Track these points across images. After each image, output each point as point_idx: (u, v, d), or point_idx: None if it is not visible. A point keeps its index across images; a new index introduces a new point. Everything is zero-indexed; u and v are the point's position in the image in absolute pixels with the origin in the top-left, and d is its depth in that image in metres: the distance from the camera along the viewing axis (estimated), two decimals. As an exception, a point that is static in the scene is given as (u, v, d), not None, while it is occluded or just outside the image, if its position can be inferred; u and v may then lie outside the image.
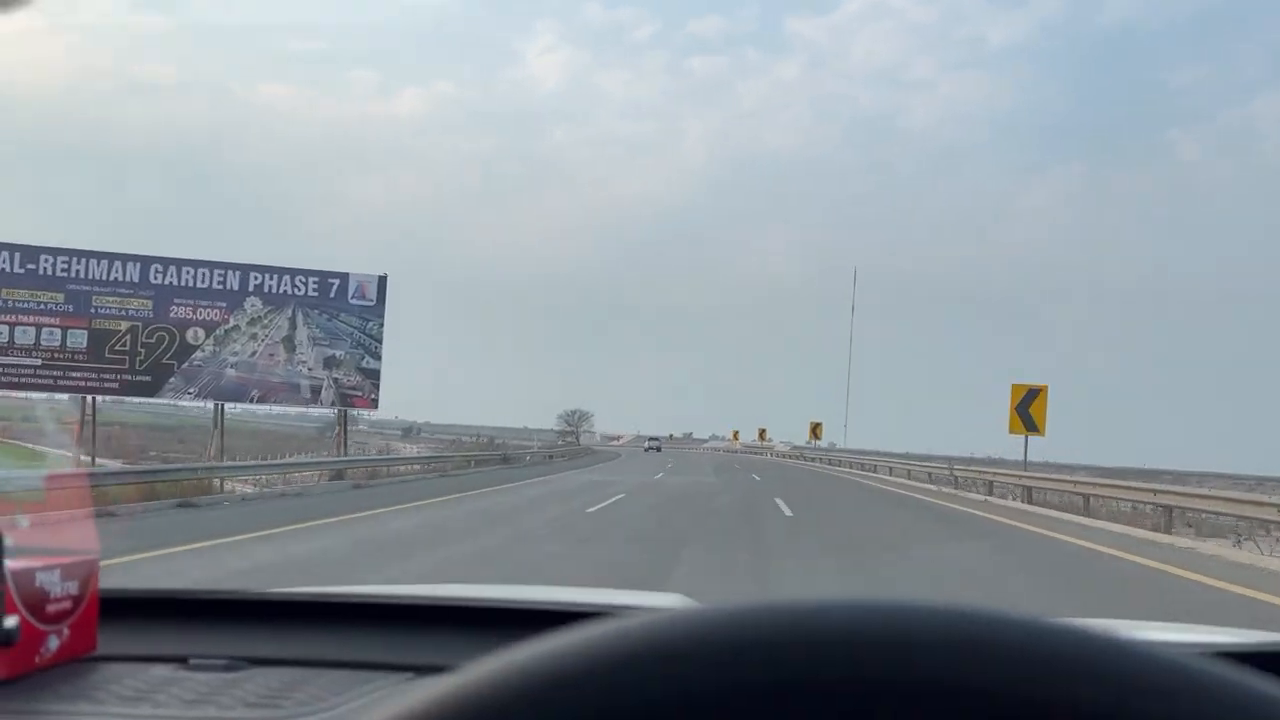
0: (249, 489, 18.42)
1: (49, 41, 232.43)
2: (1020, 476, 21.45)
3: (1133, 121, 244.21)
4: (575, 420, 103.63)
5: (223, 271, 22.07)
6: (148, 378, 21.32)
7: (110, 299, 20.88)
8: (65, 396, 21.66)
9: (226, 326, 22.00)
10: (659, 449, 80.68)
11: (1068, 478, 21.09)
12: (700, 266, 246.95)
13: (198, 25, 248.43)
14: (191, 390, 21.98)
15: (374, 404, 24.34)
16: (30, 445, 25.96)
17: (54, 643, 0.94)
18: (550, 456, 47.36)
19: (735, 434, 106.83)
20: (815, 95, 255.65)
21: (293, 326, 22.74)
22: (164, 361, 21.36)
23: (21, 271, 20.23)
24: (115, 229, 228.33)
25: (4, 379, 20.26)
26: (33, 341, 20.25)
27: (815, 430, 60.06)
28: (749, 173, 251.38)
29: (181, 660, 0.99)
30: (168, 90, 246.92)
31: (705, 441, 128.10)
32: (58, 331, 20.39)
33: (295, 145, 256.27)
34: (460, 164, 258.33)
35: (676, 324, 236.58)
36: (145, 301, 21.15)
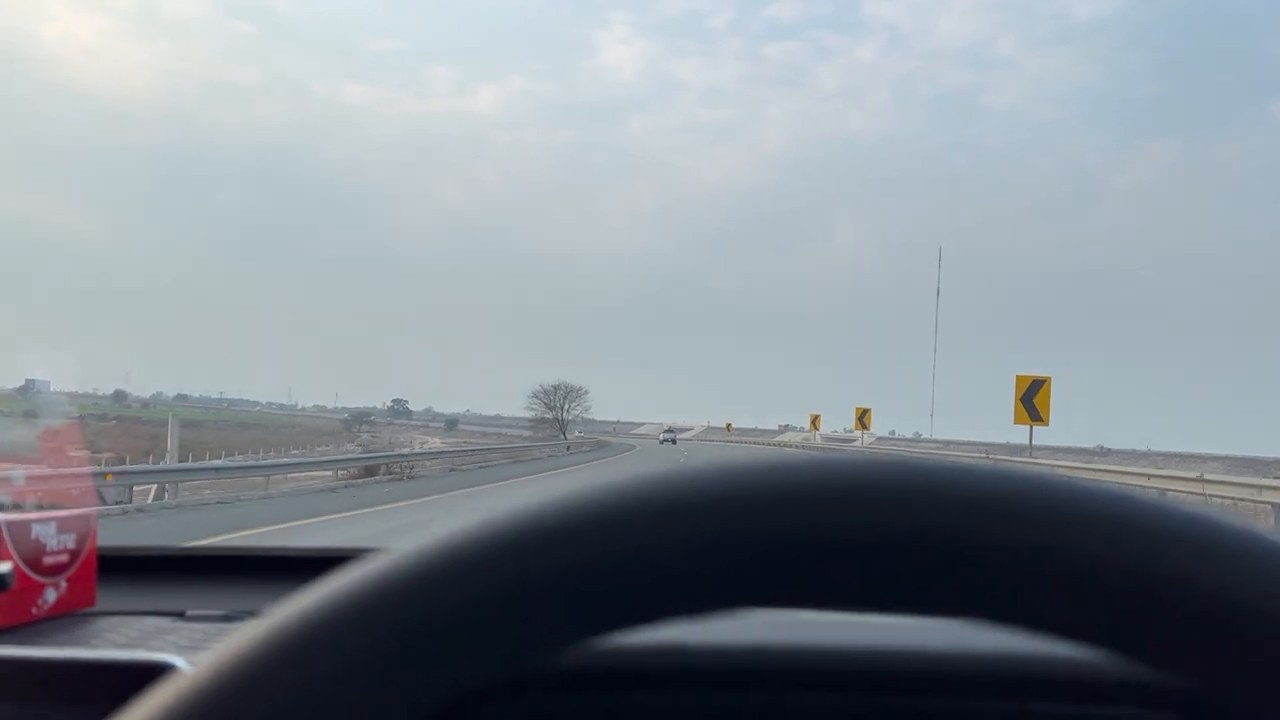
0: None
1: (138, 49, 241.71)
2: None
3: (1230, 93, 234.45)
4: (558, 400, 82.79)
5: None
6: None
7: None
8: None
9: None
10: (674, 441, 75.25)
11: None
12: (778, 253, 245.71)
13: (280, 29, 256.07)
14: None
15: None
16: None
17: (51, 595, 0.95)
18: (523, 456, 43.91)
19: (815, 419, 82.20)
20: (895, 76, 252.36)
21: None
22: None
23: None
24: (202, 230, 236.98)
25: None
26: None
27: (863, 418, 54.31)
28: (828, 157, 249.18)
29: (179, 614, 1.00)
30: (252, 92, 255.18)
31: (779, 433, 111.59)
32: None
33: (376, 144, 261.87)
34: (537, 157, 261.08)
35: (752, 311, 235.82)
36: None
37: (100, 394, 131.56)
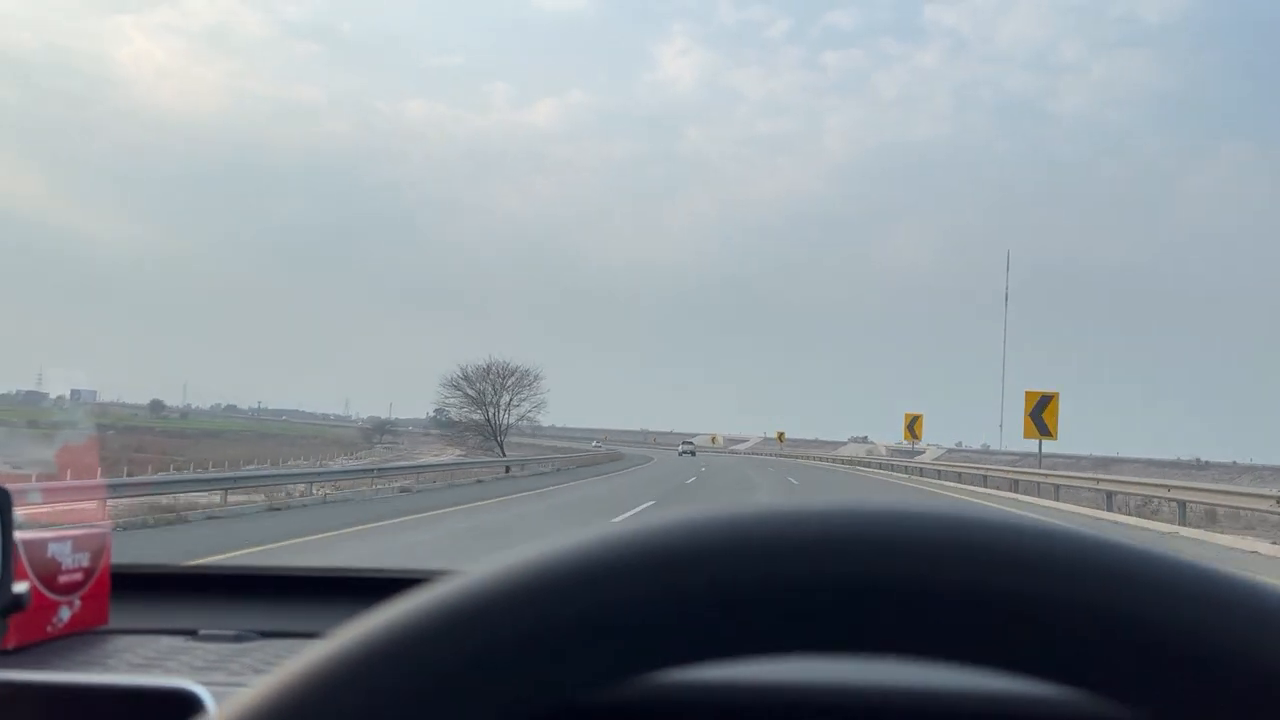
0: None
1: (209, 70, 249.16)
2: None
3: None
4: (489, 389, 51.48)
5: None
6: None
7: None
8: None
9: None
10: (693, 454, 69.95)
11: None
12: (838, 261, 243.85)
13: (345, 48, 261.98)
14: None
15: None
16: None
17: (65, 613, 0.97)
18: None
19: (916, 426, 73.27)
20: (958, 83, 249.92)
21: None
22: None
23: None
24: (265, 244, 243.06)
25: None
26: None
27: (913, 426, 48.43)
28: (889, 165, 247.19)
29: (192, 633, 1.01)
30: (318, 111, 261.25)
31: (840, 446, 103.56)
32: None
33: (438, 158, 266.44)
34: (595, 169, 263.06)
35: (813, 321, 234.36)
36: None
37: (137, 404, 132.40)
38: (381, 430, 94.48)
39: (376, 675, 0.30)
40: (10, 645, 0.90)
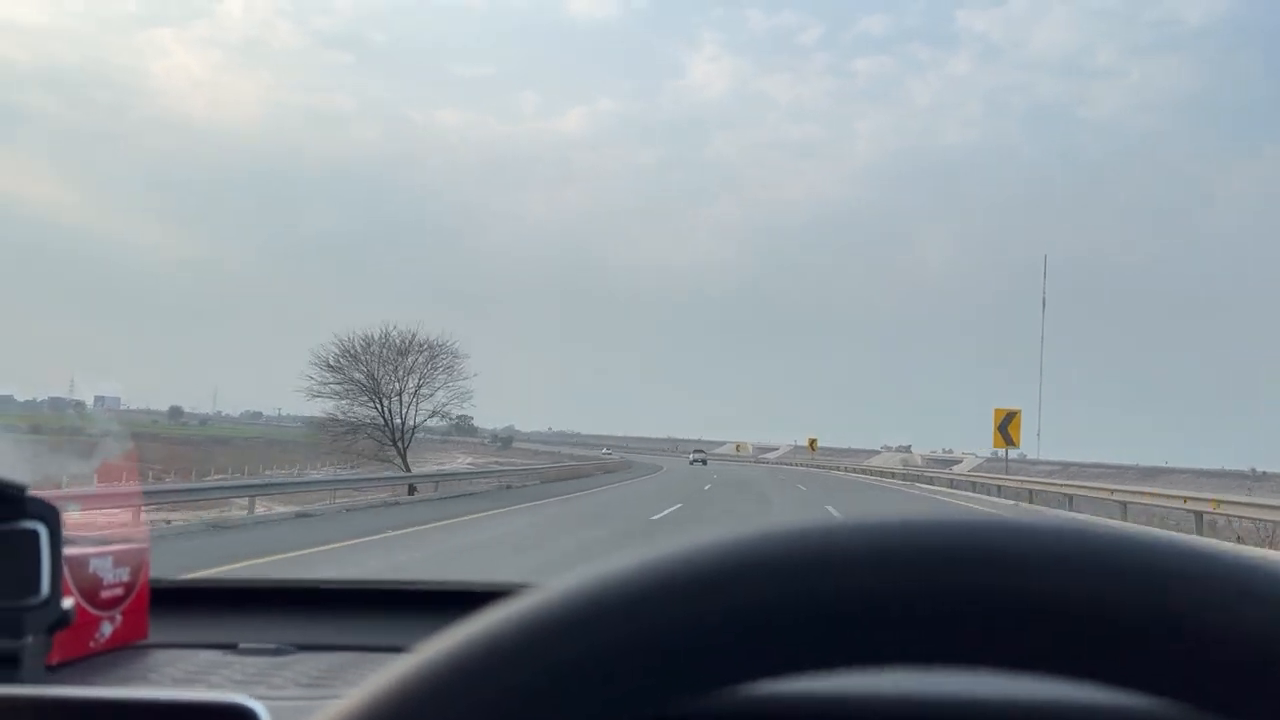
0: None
1: (242, 81, 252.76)
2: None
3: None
4: (381, 372, 32.81)
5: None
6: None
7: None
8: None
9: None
10: (704, 463, 68.33)
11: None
12: (870, 268, 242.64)
13: (377, 58, 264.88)
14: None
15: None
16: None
17: (107, 628, 0.97)
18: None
19: (1012, 427, 71.78)
20: (990, 88, 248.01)
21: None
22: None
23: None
24: (300, 253, 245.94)
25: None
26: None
27: (1009, 429, 47.61)
28: (921, 171, 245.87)
29: (230, 646, 1.01)
30: (350, 120, 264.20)
31: (872, 454, 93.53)
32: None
33: (467, 166, 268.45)
34: (623, 175, 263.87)
35: (840, 327, 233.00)
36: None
37: (159, 410, 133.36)
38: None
39: (462, 692, 0.30)
40: (54, 661, 0.91)
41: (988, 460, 62.84)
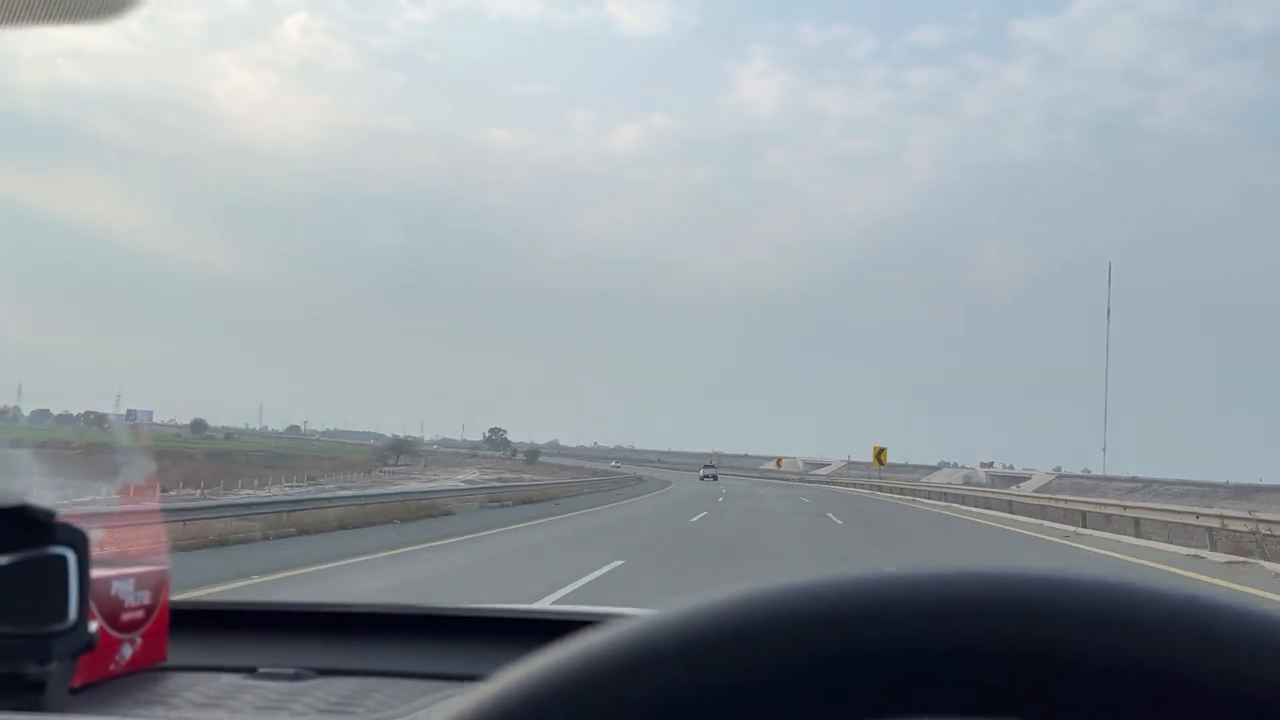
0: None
1: (302, 104, 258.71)
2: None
3: None
4: None
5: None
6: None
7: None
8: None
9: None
10: (715, 478, 65.69)
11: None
12: (925, 282, 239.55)
13: (432, 78, 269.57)
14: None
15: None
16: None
17: (127, 651, 0.98)
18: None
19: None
20: (1048, 98, 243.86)
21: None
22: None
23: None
24: (353, 270, 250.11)
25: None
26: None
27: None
28: (978, 183, 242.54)
29: (250, 670, 1.01)
30: (406, 140, 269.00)
31: (934, 470, 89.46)
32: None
33: (521, 184, 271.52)
34: (676, 193, 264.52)
35: (896, 343, 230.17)
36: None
37: (180, 424, 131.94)
38: (398, 450, 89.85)
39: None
40: (76, 684, 0.92)
41: (1057, 478, 60.64)
